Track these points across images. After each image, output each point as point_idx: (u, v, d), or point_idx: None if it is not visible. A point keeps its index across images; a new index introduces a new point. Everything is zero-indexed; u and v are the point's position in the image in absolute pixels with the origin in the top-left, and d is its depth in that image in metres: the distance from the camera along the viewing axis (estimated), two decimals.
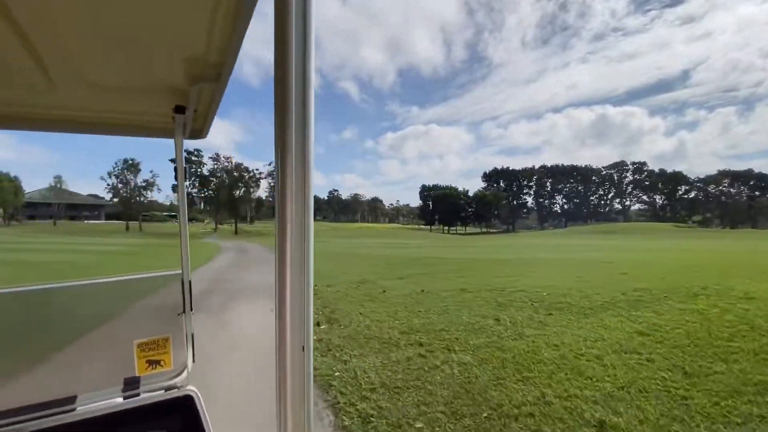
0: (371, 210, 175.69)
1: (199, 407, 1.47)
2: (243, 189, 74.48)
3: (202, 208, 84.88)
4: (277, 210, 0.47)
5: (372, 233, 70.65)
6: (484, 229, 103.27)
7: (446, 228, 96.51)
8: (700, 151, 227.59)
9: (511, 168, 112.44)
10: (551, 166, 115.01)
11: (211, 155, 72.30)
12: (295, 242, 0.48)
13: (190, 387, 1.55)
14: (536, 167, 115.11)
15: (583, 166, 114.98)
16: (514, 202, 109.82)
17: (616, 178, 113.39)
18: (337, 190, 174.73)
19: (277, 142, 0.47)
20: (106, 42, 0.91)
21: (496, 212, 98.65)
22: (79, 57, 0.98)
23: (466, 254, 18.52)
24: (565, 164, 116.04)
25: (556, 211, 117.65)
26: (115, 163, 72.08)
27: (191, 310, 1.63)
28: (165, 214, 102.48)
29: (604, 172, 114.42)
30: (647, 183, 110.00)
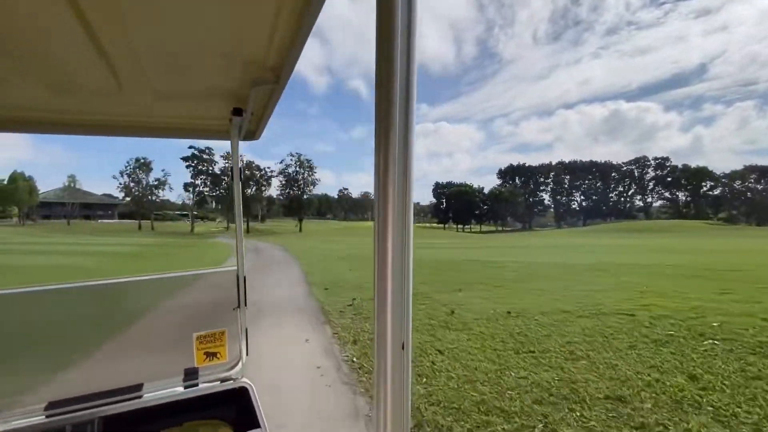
0: None
1: (253, 399, 1.49)
2: (254, 187, 72.96)
3: (213, 206, 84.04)
4: (378, 206, 0.47)
5: None
6: (499, 228, 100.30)
7: (460, 226, 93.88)
8: (718, 147, 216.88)
9: (527, 164, 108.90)
10: (569, 162, 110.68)
11: (222, 154, 70.84)
12: (396, 234, 0.47)
13: (244, 379, 1.59)
14: (553, 163, 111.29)
15: (603, 161, 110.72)
16: (530, 200, 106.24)
17: (636, 174, 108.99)
18: (347, 189, 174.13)
19: (380, 142, 0.46)
20: (173, 50, 0.95)
21: (511, 210, 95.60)
22: (147, 65, 1.02)
23: (509, 256, 16.26)
24: (584, 160, 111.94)
25: (574, 208, 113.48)
26: (127, 162, 71.45)
27: (245, 305, 1.68)
28: (177, 213, 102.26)
29: (625, 168, 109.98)
30: (669, 179, 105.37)
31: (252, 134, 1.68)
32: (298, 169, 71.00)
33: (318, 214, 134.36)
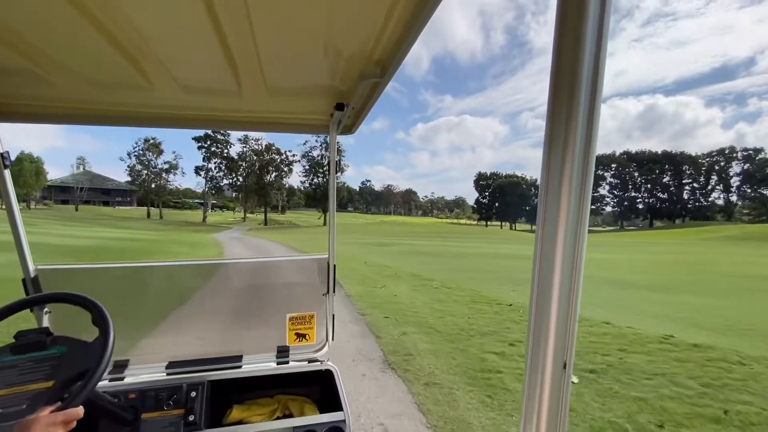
0: (405, 202, 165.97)
1: (338, 382, 1.54)
2: (274, 173, 63.74)
3: (233, 195, 76.16)
4: (545, 205, 0.42)
5: (426, 230, 57.44)
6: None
7: (506, 224, 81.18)
8: (765, 145, 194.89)
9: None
10: (636, 153, 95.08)
11: (239, 137, 61.77)
12: (567, 237, 0.41)
13: (329, 362, 1.64)
14: (617, 153, 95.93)
15: (678, 152, 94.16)
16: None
17: (716, 167, 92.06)
18: (369, 181, 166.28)
19: (553, 130, 0.41)
20: (289, 46, 0.97)
21: None
22: (264, 62, 1.07)
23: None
24: (653, 150, 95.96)
25: (638, 206, 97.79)
26: (136, 143, 63.97)
27: (334, 292, 1.74)
28: (196, 201, 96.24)
29: (707, 160, 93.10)
30: (758, 175, 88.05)
31: (349, 129, 1.68)
32: (324, 152, 60.78)
33: (339, 206, 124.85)
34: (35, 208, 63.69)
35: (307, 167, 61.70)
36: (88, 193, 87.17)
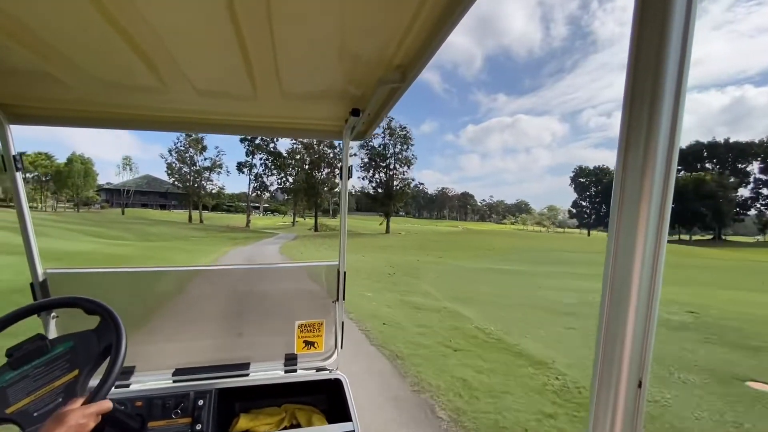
0: (461, 206, 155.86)
1: (347, 392, 1.52)
2: (326, 170, 52.69)
3: (285, 198, 67.64)
4: (619, 206, 0.39)
5: (550, 246, 42.03)
6: (681, 235, 66.14)
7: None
8: None
9: (730, 140, 71.07)
10: None
11: None
12: (647, 244, 0.37)
13: (338, 371, 1.62)
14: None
15: None
16: (733, 195, 69.05)
17: None
18: (423, 183, 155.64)
19: (632, 127, 0.37)
20: (307, 51, 0.95)
21: (712, 209, 60.70)
22: (280, 68, 1.04)
23: None
24: None
25: None
26: (177, 138, 56.89)
27: (343, 299, 1.72)
28: (251, 205, 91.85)
29: None
30: None
31: (362, 134, 1.65)
32: (387, 140, 47.91)
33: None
34: (87, 211, 59.80)
35: (366, 160, 49.20)
36: (148, 196, 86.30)
